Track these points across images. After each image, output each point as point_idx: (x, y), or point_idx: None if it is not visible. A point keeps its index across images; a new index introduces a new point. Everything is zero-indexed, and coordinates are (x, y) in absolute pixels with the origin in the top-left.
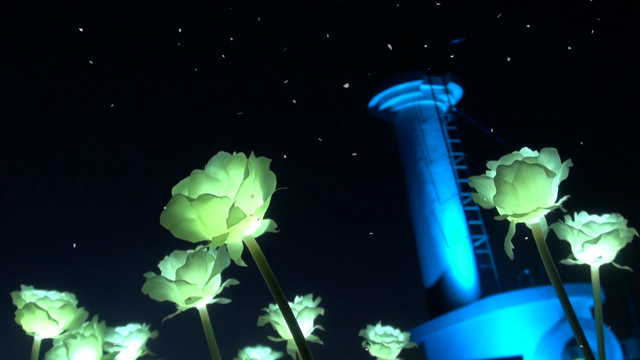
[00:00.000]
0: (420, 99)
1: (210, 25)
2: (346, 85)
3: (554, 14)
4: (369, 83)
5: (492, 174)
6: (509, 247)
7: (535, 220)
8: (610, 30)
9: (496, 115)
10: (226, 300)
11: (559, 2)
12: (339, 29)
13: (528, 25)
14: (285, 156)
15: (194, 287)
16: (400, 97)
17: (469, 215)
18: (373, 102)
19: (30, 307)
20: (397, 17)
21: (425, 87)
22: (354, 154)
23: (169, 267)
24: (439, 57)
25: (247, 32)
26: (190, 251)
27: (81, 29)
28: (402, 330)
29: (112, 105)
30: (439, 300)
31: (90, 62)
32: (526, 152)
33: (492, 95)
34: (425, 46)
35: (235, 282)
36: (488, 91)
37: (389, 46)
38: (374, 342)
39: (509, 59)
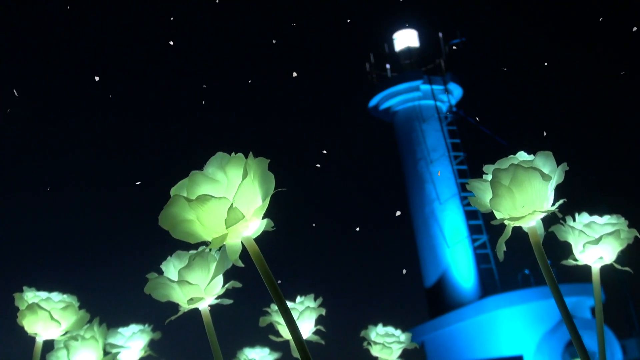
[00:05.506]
0: (420, 99)
1: (210, 26)
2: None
3: (553, 14)
4: (369, 83)
5: (489, 177)
6: (501, 248)
7: (532, 223)
8: (610, 30)
9: (496, 115)
10: (228, 301)
11: (559, 3)
12: (338, 28)
13: (527, 24)
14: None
15: (196, 287)
16: (400, 97)
17: (469, 215)
18: (373, 102)
19: (33, 308)
20: (397, 16)
21: (425, 87)
22: (324, 151)
23: (172, 268)
24: (439, 57)
25: (247, 33)
26: (192, 252)
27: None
28: (403, 330)
29: (116, 109)
30: (439, 300)
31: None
32: (522, 155)
33: (492, 95)
34: (425, 46)
35: (238, 284)
36: (488, 91)
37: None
38: (375, 343)
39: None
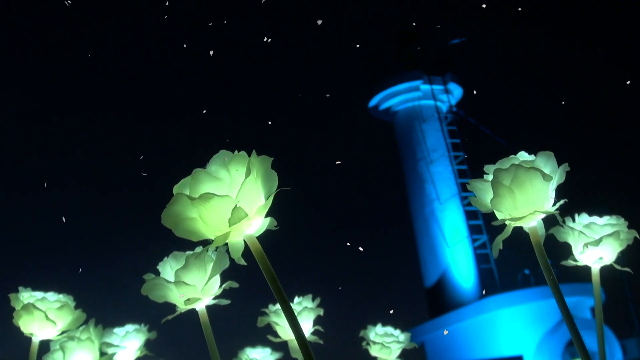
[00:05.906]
0: (420, 99)
1: (210, 26)
2: (319, 22)
3: (553, 14)
4: (369, 83)
5: (490, 177)
6: (497, 246)
7: (533, 223)
8: (610, 30)
9: (496, 115)
10: (225, 302)
11: (559, 3)
12: (339, 28)
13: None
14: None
15: (192, 288)
16: (400, 97)
17: (469, 215)
18: (373, 102)
19: (29, 308)
20: (397, 16)
21: (425, 87)
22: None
23: (168, 269)
24: (439, 57)
25: (247, 33)
26: (189, 252)
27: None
28: (402, 330)
29: (116, 109)
30: (439, 300)
31: (89, 54)
32: (523, 155)
33: (492, 95)
34: (425, 46)
35: (235, 284)
36: (488, 91)
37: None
38: (374, 342)
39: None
